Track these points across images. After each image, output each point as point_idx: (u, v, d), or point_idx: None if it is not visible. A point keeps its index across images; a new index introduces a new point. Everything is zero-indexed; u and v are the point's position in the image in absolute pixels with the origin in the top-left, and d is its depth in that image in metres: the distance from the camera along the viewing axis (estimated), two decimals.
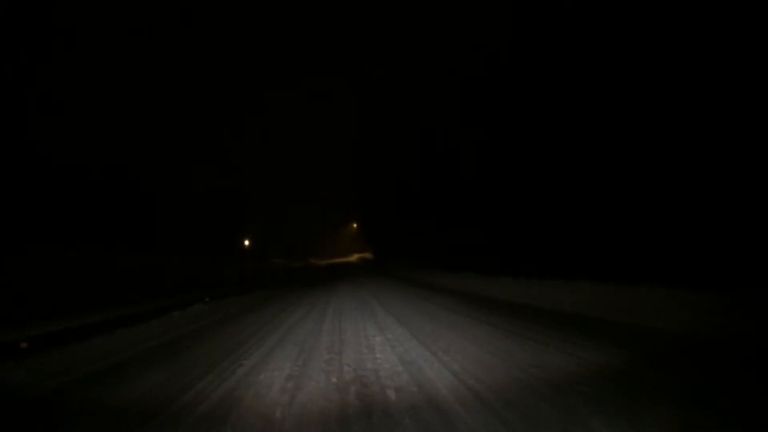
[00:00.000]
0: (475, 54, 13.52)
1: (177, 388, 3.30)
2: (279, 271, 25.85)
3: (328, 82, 33.03)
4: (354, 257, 46.94)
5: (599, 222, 8.32)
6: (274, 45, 35.08)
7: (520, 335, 4.51)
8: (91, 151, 19.88)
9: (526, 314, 5.94)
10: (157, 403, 2.97)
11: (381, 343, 4.58)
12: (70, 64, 18.41)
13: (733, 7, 5.87)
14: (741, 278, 5.06)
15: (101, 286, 12.44)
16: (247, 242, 35.29)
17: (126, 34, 20.22)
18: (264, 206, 36.97)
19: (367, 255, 43.66)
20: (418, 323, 5.67)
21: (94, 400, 3.17)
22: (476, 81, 13.52)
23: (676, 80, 6.77)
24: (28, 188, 15.42)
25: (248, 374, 3.64)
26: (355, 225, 51.63)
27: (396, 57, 21.70)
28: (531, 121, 10.89)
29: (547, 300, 6.61)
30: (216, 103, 28.00)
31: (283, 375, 3.58)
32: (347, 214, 49.38)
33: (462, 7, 14.45)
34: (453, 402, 2.72)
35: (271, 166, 36.68)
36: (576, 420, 2.32)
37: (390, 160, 24.83)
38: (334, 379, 3.41)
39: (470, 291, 9.45)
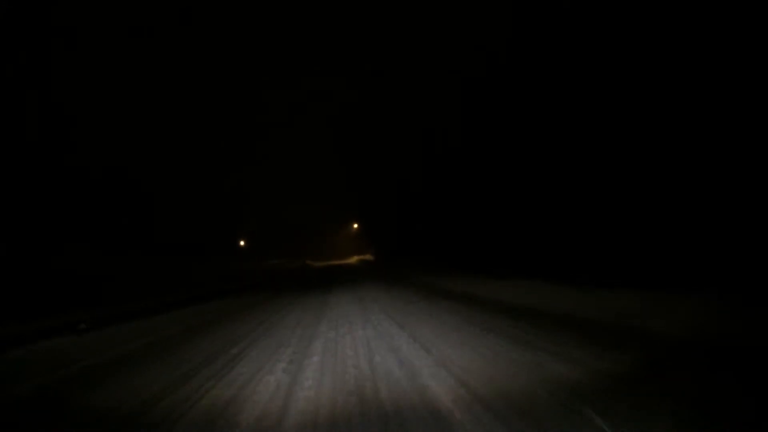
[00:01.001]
0: (475, 54, 13.51)
1: None
2: (270, 273, 25.17)
3: (328, 82, 33.02)
4: (353, 259, 46.19)
5: (605, 226, 8.21)
6: (274, 45, 35.10)
7: None
8: (91, 149, 19.90)
9: None
10: None
11: None
12: (70, 63, 18.43)
13: (733, 8, 5.84)
14: (738, 281, 4.97)
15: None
16: (242, 242, 35.29)
17: (126, 34, 20.25)
18: (262, 206, 37.00)
19: (368, 257, 42.94)
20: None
21: None
22: (476, 81, 13.50)
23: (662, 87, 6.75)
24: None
25: None
26: (355, 225, 51.37)
27: (396, 57, 21.69)
28: (531, 121, 10.86)
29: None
30: (216, 103, 28.04)
31: None
32: (347, 215, 49.32)
33: (462, 7, 14.44)
34: None
35: (270, 166, 36.73)
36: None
37: (390, 160, 24.74)
38: None
39: (502, 300, 7.06)
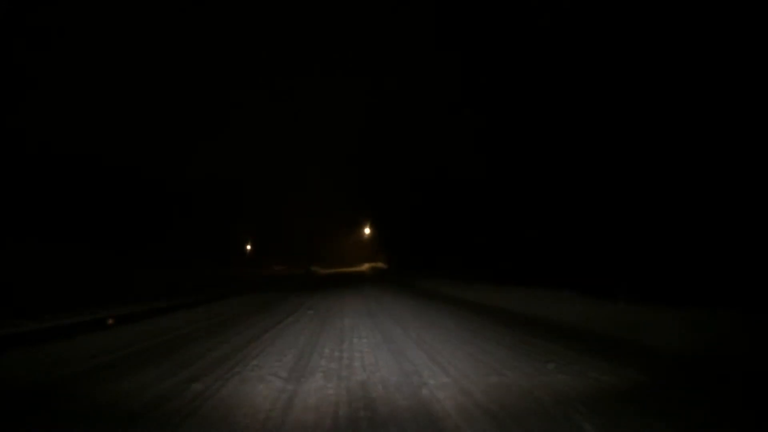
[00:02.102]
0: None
1: None
2: (262, 281, 22.36)
3: (336, 81, 31.75)
4: (365, 266, 44.09)
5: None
6: (275, 45, 34.20)
7: None
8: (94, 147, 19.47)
9: None
10: None
11: None
12: (69, 62, 17.90)
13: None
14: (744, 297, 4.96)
15: None
16: (249, 247, 34.38)
17: (124, 34, 19.66)
18: (268, 209, 35.93)
19: (380, 264, 40.77)
20: None
21: None
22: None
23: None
24: None
25: None
26: (367, 230, 49.21)
27: (405, 60, 20.31)
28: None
29: None
30: (218, 103, 27.29)
31: None
32: (359, 219, 47.47)
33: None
34: None
35: (278, 167, 35.75)
36: None
37: (404, 162, 23.13)
38: None
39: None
